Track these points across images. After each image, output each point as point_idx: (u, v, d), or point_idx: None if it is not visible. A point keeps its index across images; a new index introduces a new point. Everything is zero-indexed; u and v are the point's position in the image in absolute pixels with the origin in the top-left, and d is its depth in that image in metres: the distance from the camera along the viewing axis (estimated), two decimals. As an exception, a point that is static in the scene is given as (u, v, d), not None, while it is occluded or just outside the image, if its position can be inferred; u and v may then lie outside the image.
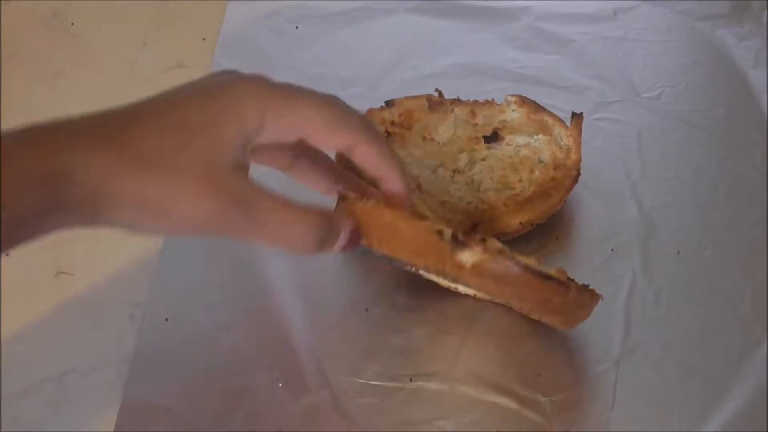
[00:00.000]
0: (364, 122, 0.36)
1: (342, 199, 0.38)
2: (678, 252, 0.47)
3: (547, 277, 0.37)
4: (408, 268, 0.40)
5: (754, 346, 0.44)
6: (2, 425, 0.42)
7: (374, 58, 0.58)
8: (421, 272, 0.41)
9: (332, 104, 0.35)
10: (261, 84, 0.33)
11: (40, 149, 0.29)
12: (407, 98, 0.51)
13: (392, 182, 0.37)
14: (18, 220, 0.29)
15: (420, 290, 0.45)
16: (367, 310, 0.46)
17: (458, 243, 0.36)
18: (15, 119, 0.57)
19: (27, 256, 0.49)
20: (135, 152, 0.31)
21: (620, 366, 0.43)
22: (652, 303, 0.45)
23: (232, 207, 0.32)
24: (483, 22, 0.59)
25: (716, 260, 0.47)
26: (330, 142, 0.35)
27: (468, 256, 0.36)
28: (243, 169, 0.33)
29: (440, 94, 0.51)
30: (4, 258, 0.49)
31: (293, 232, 0.34)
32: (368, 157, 0.36)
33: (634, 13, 0.59)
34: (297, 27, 0.60)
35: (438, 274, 0.39)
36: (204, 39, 0.60)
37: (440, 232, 0.36)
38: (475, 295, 0.44)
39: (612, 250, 0.48)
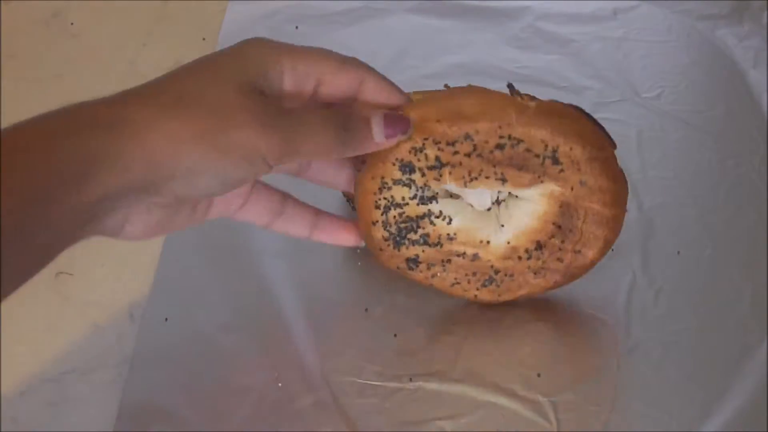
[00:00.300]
0: (364, 62, 0.38)
1: None
2: (678, 252, 0.47)
3: (596, 121, 0.39)
4: (446, 220, 0.40)
5: (753, 345, 0.44)
6: (2, 425, 0.42)
7: (374, 58, 0.57)
8: (453, 229, 0.41)
9: (333, 52, 0.37)
10: (272, 41, 0.35)
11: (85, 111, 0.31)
12: (415, 93, 0.51)
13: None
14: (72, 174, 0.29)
15: (420, 290, 0.45)
16: (366, 310, 0.46)
17: (517, 91, 0.39)
18: (15, 119, 0.57)
19: (27, 256, 0.49)
20: (175, 96, 0.31)
21: (620, 366, 0.43)
22: (651, 303, 0.45)
23: (272, 125, 0.33)
24: (483, 22, 0.59)
25: (716, 260, 0.47)
26: (344, 80, 0.36)
27: (530, 100, 0.38)
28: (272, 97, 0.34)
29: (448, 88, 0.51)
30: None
31: (317, 134, 0.34)
32: (379, 90, 0.37)
33: (634, 13, 0.59)
34: (297, 27, 0.60)
35: (501, 145, 0.38)
36: (204, 39, 0.60)
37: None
38: (508, 243, 0.42)
39: (612, 249, 0.47)
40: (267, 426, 0.42)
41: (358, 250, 0.48)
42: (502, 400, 0.42)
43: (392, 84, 0.38)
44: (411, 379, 0.43)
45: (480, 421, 0.42)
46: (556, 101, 0.39)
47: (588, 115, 0.39)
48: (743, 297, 0.46)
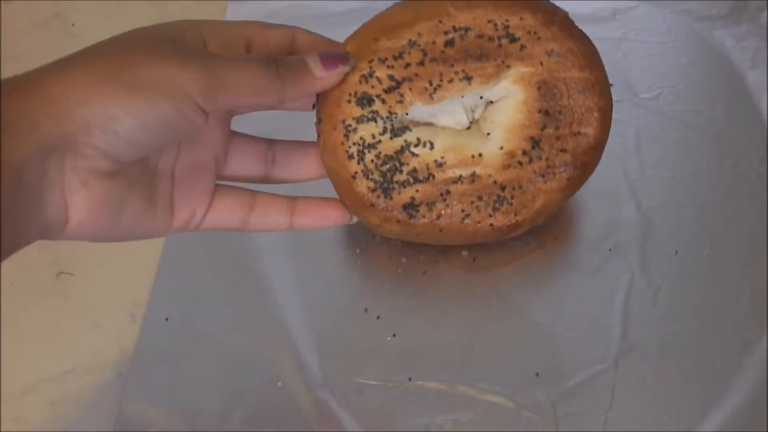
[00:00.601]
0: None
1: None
2: (676, 252, 0.48)
3: None
4: (428, 148, 0.38)
5: (752, 345, 0.44)
6: (2, 425, 0.42)
7: (374, 59, 0.58)
8: (437, 152, 0.38)
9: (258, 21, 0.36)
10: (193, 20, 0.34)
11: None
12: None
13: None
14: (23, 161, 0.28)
15: (420, 290, 0.45)
16: (366, 310, 0.46)
17: None
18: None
19: (27, 256, 0.49)
20: (85, 51, 0.31)
21: (618, 366, 0.43)
22: (650, 303, 0.46)
23: (192, 61, 0.31)
24: (482, 22, 0.60)
25: (714, 260, 0.47)
26: (273, 38, 0.36)
27: None
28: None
29: None
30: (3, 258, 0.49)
31: (247, 67, 0.33)
32: (312, 42, 0.36)
33: (633, 13, 0.59)
34: (296, 27, 0.60)
35: (439, 26, 0.37)
36: (204, 39, 0.60)
37: None
38: (501, 149, 0.39)
39: (610, 249, 0.48)
40: (267, 426, 0.42)
41: (358, 250, 0.48)
42: (502, 400, 0.42)
43: (325, 38, 0.37)
44: (411, 379, 0.43)
45: (480, 421, 0.42)
46: None
47: None
48: (742, 297, 0.46)
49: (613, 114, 0.54)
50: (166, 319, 0.45)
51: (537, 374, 0.43)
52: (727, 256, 0.47)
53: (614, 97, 0.55)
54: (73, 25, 0.61)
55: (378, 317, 0.45)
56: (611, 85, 0.41)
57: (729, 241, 0.48)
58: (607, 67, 0.56)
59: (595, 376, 0.43)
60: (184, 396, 0.42)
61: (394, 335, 0.45)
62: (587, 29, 0.59)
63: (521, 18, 0.37)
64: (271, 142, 0.40)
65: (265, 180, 0.39)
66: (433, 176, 0.38)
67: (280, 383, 0.43)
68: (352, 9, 0.61)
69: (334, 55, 0.35)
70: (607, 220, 0.49)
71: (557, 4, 0.40)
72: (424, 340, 0.45)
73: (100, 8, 0.62)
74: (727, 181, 0.51)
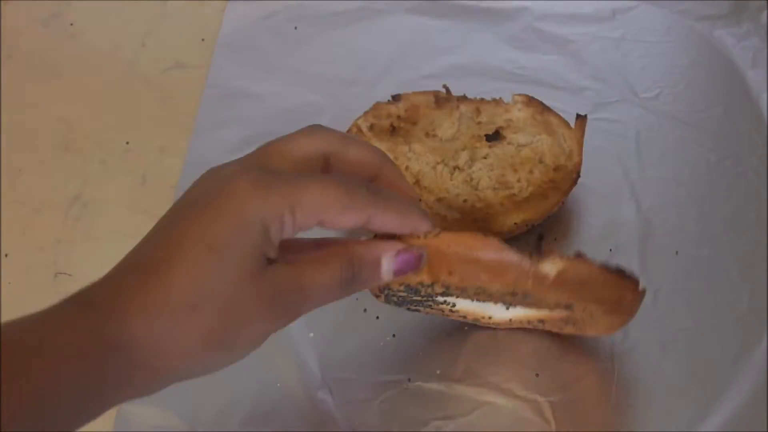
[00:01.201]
0: (371, 187, 0.34)
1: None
2: (676, 252, 0.48)
3: (623, 274, 0.37)
4: (450, 305, 0.40)
5: (752, 345, 0.44)
6: (2, 425, 0.42)
7: (373, 59, 0.58)
8: (457, 308, 0.40)
9: (336, 182, 0.33)
10: (261, 181, 0.31)
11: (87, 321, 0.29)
12: (414, 93, 0.51)
13: (421, 227, 0.35)
14: (77, 397, 0.28)
15: (419, 290, 0.45)
16: (365, 310, 0.46)
17: (539, 254, 0.35)
18: (15, 119, 0.57)
19: (27, 256, 0.49)
20: (183, 295, 0.29)
21: (618, 366, 0.43)
22: (650, 303, 0.45)
23: (283, 307, 0.32)
24: (482, 22, 0.60)
25: (714, 260, 0.47)
26: (347, 222, 0.33)
27: (551, 266, 0.35)
28: (257, 251, 0.31)
29: (447, 90, 0.51)
30: (3, 258, 0.49)
31: (325, 285, 0.33)
32: (388, 222, 0.34)
33: (633, 13, 0.59)
34: (296, 27, 0.60)
35: (513, 293, 0.37)
36: (203, 39, 0.60)
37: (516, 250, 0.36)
38: (510, 320, 0.42)
39: (610, 250, 0.48)
40: (267, 426, 0.42)
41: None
42: (501, 400, 0.42)
43: (402, 208, 0.34)
44: (410, 379, 0.43)
45: (479, 421, 0.42)
46: (582, 258, 0.36)
47: (616, 269, 0.37)
48: (742, 297, 0.46)
49: (614, 114, 0.54)
50: (166, 319, 0.45)
51: (537, 374, 0.43)
52: (727, 256, 0.47)
53: (614, 97, 0.55)
54: (72, 24, 0.61)
55: (377, 317, 0.45)
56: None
57: (729, 241, 0.48)
58: (607, 67, 0.57)
59: (595, 377, 0.43)
60: (183, 396, 0.42)
61: (394, 335, 0.45)
62: (587, 29, 0.59)
63: (585, 308, 0.38)
64: None
65: None
66: (442, 311, 0.41)
67: (279, 384, 0.43)
68: (352, 9, 0.61)
69: (408, 261, 0.34)
70: (607, 220, 0.49)
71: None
72: (424, 340, 0.44)
73: (99, 8, 0.62)
74: (726, 180, 0.50)
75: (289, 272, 0.32)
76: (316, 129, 0.35)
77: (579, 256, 0.36)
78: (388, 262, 0.34)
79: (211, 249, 0.30)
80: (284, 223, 0.31)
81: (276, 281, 0.31)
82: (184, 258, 0.30)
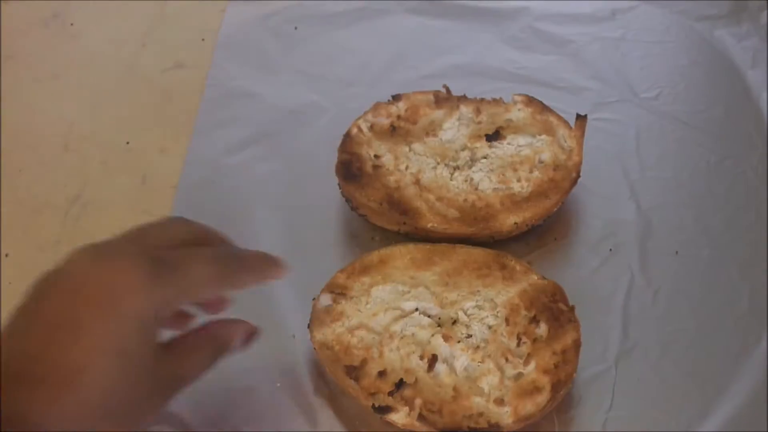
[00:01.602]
0: (236, 254, 0.39)
1: None
2: (676, 252, 0.48)
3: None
4: None
5: (752, 345, 0.44)
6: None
7: (373, 59, 0.58)
8: None
9: (213, 258, 0.36)
10: (155, 276, 0.33)
11: None
12: (414, 93, 0.51)
13: (274, 273, 0.39)
14: None
15: (419, 290, 0.45)
16: (366, 310, 0.46)
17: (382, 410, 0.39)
18: (15, 119, 0.56)
19: (27, 256, 0.49)
20: (91, 409, 0.31)
21: (618, 366, 0.43)
22: (650, 303, 0.46)
23: (168, 396, 0.35)
24: (482, 22, 0.60)
25: (714, 260, 0.47)
26: (219, 293, 0.40)
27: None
28: (152, 345, 0.34)
29: (447, 90, 0.51)
30: (3, 258, 0.49)
31: (199, 371, 0.37)
32: (249, 284, 0.38)
33: (633, 13, 0.59)
34: (296, 27, 0.60)
35: None
36: (203, 39, 0.60)
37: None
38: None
39: (610, 250, 0.48)
40: (267, 426, 0.42)
41: (358, 251, 0.48)
42: (501, 400, 0.42)
43: (257, 264, 0.39)
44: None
45: (479, 420, 0.42)
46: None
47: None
48: (741, 297, 0.46)
49: (613, 114, 0.54)
50: (166, 319, 0.45)
51: (537, 374, 0.43)
52: (727, 255, 0.47)
53: (614, 97, 0.55)
54: (71, 24, 0.61)
55: (378, 317, 0.45)
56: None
57: (729, 241, 0.48)
58: (606, 67, 0.57)
59: (596, 377, 0.43)
60: (184, 396, 0.42)
61: (394, 335, 0.45)
62: (586, 29, 0.59)
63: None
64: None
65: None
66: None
67: (279, 384, 0.43)
68: (352, 9, 0.61)
69: (251, 338, 0.39)
70: (607, 220, 0.49)
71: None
72: (424, 340, 0.44)
73: (99, 8, 0.62)
74: (726, 180, 0.50)
75: (170, 364, 0.35)
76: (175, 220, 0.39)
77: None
78: (240, 339, 0.38)
79: (120, 355, 0.32)
80: (173, 308, 0.36)
81: (161, 376, 0.34)
82: (95, 370, 0.31)
